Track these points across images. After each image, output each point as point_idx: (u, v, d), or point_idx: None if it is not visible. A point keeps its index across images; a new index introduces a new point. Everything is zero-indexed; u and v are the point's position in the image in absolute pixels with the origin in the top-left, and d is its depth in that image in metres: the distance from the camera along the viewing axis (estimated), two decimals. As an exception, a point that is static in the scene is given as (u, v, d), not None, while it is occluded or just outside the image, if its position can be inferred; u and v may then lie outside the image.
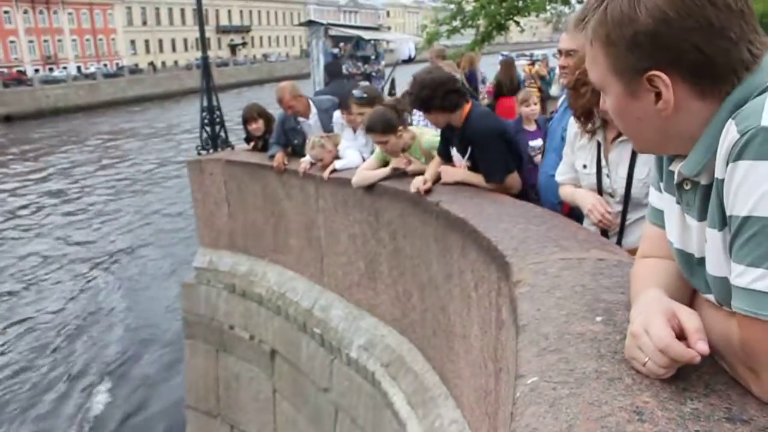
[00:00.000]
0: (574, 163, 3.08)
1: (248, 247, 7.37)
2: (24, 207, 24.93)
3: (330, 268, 6.02)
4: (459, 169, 3.98)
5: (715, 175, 1.13)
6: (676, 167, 1.28)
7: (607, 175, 2.94)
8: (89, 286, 17.38)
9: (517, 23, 17.90)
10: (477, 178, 3.84)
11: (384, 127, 4.25)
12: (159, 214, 22.95)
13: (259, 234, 7.12)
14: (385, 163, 4.63)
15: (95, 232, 21.58)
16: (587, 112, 2.90)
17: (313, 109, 6.27)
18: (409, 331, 4.82)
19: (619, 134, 2.84)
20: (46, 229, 22.15)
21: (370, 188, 4.73)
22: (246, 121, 6.95)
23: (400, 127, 4.32)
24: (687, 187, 1.27)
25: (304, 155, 6.28)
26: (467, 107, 3.84)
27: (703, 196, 1.21)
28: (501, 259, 2.48)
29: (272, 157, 6.37)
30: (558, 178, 3.22)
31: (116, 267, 18.58)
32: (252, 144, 7.35)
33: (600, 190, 2.99)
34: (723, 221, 1.13)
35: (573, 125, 3.08)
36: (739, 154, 1.04)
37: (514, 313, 1.85)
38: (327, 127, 6.15)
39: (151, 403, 12.21)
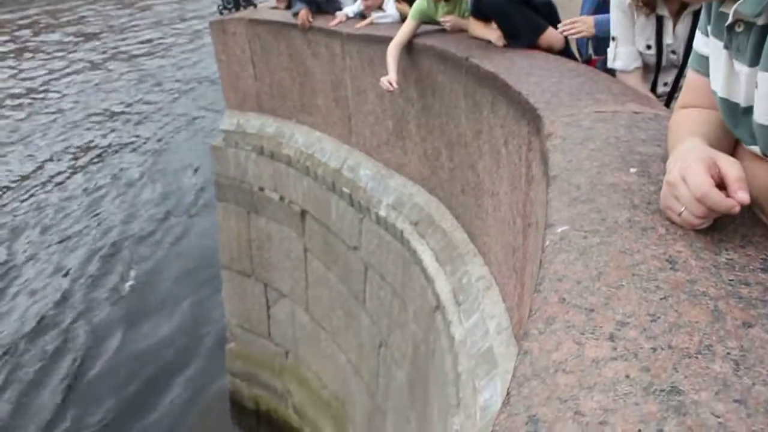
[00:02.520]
0: (635, 45, 2.84)
1: (275, 108, 7.29)
2: (47, 78, 24.83)
3: (358, 128, 5.96)
4: (490, 29, 3.80)
5: None
6: (730, 8, 1.18)
7: (673, 52, 2.74)
8: (116, 149, 17.58)
9: None
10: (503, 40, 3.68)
11: None
12: (185, 78, 22.75)
13: (286, 94, 7.03)
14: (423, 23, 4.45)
15: (122, 94, 21.55)
16: None
17: None
18: (438, 190, 4.81)
19: (683, 5, 2.61)
20: (71, 95, 22.18)
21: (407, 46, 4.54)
22: None
23: None
24: (739, 29, 1.17)
25: (328, 12, 6.10)
26: None
27: (757, 38, 1.12)
28: (532, 112, 2.41)
29: (296, 14, 6.17)
30: (629, 66, 2.84)
31: (144, 129, 18.68)
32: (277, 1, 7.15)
33: (659, 68, 2.81)
34: None
35: (620, 6, 2.76)
36: None
37: (545, 164, 1.81)
38: None
39: (189, 263, 12.63)
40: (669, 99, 2.95)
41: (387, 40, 4.55)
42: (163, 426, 9.17)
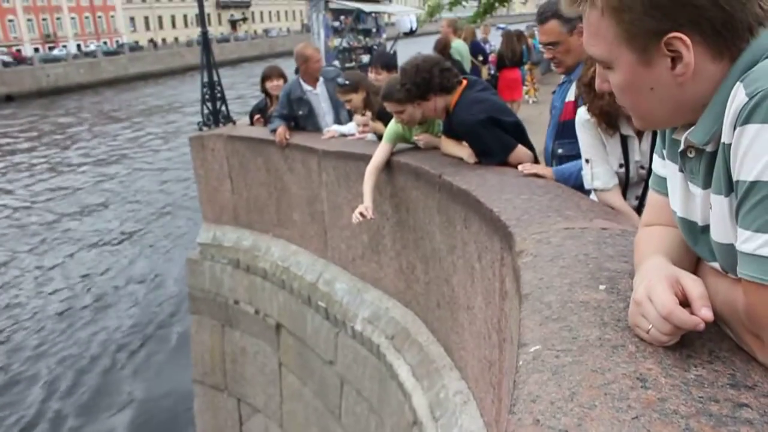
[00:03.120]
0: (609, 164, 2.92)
1: (252, 221, 7.37)
2: (24, 185, 24.95)
3: (333, 242, 6.02)
4: (461, 146, 3.92)
5: (722, 140, 1.11)
6: (681, 135, 1.26)
7: (641, 167, 2.82)
8: (94, 264, 17.45)
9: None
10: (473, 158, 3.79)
11: (401, 95, 3.97)
12: (162, 192, 22.97)
13: (263, 208, 7.12)
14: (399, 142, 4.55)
15: (98, 211, 21.62)
16: (610, 112, 2.74)
17: (320, 78, 6.26)
18: (414, 304, 4.82)
19: None
20: (45, 206, 22.20)
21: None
22: (265, 78, 6.88)
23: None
24: (691, 155, 1.25)
25: (305, 128, 6.28)
26: (459, 90, 3.79)
27: (708, 163, 1.19)
28: (504, 229, 2.47)
29: (274, 131, 6.31)
30: (608, 184, 2.82)
31: (120, 245, 18.64)
32: (257, 117, 7.34)
33: (627, 184, 2.89)
34: (729, 187, 1.11)
35: (586, 129, 2.82)
36: (747, 117, 1.01)
37: (517, 282, 1.84)
38: (333, 96, 6.14)
39: (158, 377, 12.32)
40: (640, 211, 3.03)
41: (362, 157, 4.68)
42: None
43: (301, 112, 6.27)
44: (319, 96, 6.25)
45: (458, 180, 3.49)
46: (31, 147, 31.97)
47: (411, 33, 13.10)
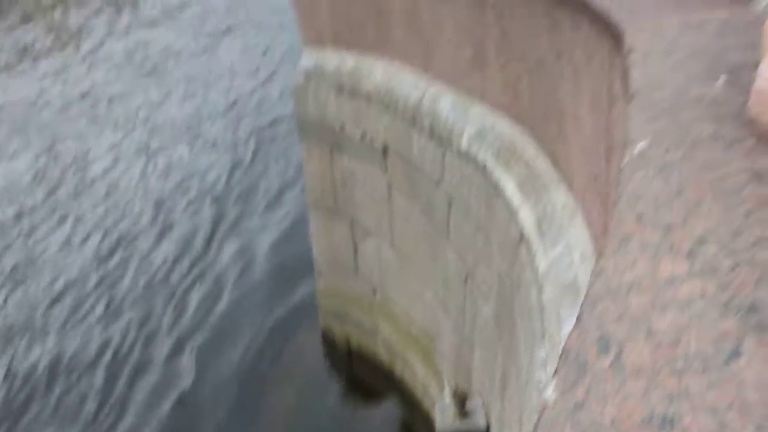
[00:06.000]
0: None
1: (353, 41, 7.21)
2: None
3: (437, 57, 5.83)
4: None
5: None
6: None
7: None
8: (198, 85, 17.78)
9: None
10: None
11: None
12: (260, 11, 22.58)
13: (363, 26, 6.92)
14: None
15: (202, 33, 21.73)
16: None
17: None
18: (520, 117, 4.67)
19: None
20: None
21: None
22: None
23: None
24: None
25: None
26: None
27: None
28: (614, 27, 2.27)
29: None
30: None
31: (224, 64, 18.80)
32: None
33: None
34: None
35: None
36: None
37: (625, 80, 1.71)
38: None
39: (277, 201, 12.86)
40: None
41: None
42: (260, 365, 9.48)
43: None
44: None
45: (564, -20, 3.22)
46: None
47: None
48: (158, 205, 13.33)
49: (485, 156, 4.97)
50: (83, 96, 18.14)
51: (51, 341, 10.40)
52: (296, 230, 11.49)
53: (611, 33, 2.35)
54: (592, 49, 2.82)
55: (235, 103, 17.00)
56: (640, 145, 1.16)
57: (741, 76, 1.39)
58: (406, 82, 6.31)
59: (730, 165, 1.03)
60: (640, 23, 2.09)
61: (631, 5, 2.34)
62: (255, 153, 14.78)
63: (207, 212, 13.01)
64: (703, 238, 0.85)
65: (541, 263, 3.63)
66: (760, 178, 0.98)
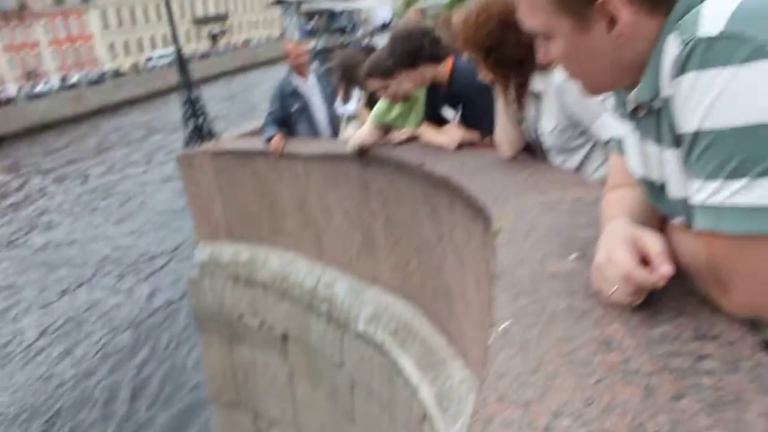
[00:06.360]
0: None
1: (247, 234, 7.36)
2: (17, 222, 24.94)
3: (328, 245, 6.02)
4: (442, 133, 3.87)
5: (663, 94, 1.11)
6: (631, 94, 1.25)
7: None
8: (96, 290, 17.45)
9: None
10: (474, 135, 3.70)
11: (384, 70, 3.85)
12: (156, 214, 22.89)
13: (256, 220, 7.11)
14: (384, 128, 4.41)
15: (95, 240, 21.59)
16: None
17: (311, 73, 6.25)
18: (412, 297, 4.82)
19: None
20: (40, 239, 22.20)
21: (361, 155, 4.53)
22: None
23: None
24: (641, 114, 1.24)
25: (298, 128, 6.16)
26: (450, 59, 3.72)
27: (657, 119, 1.19)
28: (483, 211, 2.46)
29: (269, 140, 6.00)
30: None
31: (121, 273, 18.61)
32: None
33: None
34: (677, 140, 1.11)
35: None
36: (682, 67, 1.01)
37: (492, 260, 1.84)
38: (325, 89, 6.15)
39: (176, 400, 12.33)
40: None
41: (347, 158, 4.66)
42: None
43: (294, 108, 6.10)
44: (312, 88, 6.20)
45: (439, 167, 3.48)
46: (21, 184, 31.96)
47: (386, 26, 13.12)
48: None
49: (383, 336, 5.04)
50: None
51: None
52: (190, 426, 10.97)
53: (482, 215, 2.54)
54: (469, 230, 3.02)
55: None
56: (504, 326, 1.25)
57: (589, 252, 1.53)
58: (301, 270, 6.43)
59: (582, 336, 1.13)
60: (504, 205, 2.29)
61: (498, 189, 2.56)
62: (148, 353, 14.32)
63: (93, 414, 12.31)
64: (558, 411, 0.92)
65: (446, 441, 3.62)
66: (607, 345, 1.08)
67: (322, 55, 12.24)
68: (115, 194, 27.31)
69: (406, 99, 4.14)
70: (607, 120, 2.67)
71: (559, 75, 2.66)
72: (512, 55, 2.68)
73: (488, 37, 2.68)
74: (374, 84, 4.00)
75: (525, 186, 2.49)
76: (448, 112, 3.88)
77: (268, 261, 6.99)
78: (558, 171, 2.76)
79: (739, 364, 0.98)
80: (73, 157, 37.79)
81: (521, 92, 2.86)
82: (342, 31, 12.25)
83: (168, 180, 26.15)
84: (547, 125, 2.79)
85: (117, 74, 69.25)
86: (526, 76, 2.79)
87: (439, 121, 3.95)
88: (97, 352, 14.56)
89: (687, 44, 1.00)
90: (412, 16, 9.45)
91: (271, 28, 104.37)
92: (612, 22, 1.14)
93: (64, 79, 67.50)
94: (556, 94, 2.71)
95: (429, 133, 4.03)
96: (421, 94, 4.06)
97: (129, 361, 14.02)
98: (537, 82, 2.79)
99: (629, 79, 1.24)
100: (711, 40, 0.97)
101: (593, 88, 1.34)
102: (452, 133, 3.77)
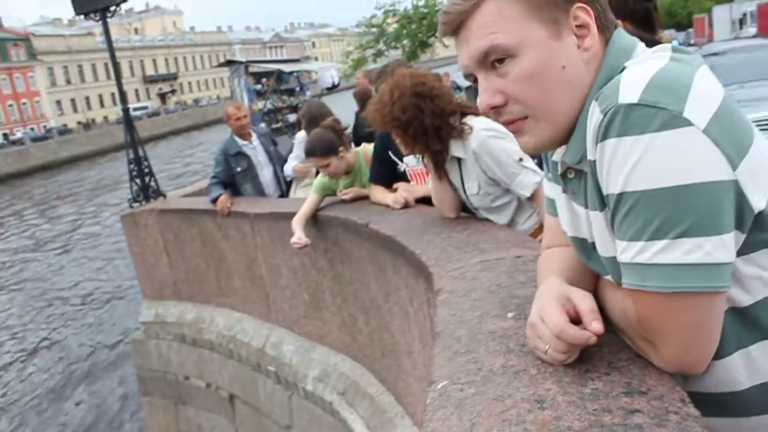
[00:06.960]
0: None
1: (193, 293, 7.25)
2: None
3: (276, 304, 5.96)
4: (386, 194, 3.92)
5: (588, 158, 1.15)
6: (559, 157, 1.30)
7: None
8: (36, 354, 16.82)
9: (441, 40, 18.20)
10: (424, 188, 3.77)
11: (324, 149, 4.05)
12: (99, 272, 22.32)
13: (202, 279, 7.02)
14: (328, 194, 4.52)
15: (37, 300, 20.93)
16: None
17: (253, 134, 6.28)
18: (360, 356, 4.79)
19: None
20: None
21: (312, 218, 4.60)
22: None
23: (341, 148, 4.13)
24: (571, 176, 1.29)
25: (244, 187, 6.19)
26: None
27: (584, 181, 1.24)
28: (425, 270, 2.49)
29: (215, 200, 6.04)
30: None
31: (58, 334, 18.00)
32: None
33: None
34: (603, 202, 1.15)
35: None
36: (604, 133, 1.06)
37: (432, 320, 1.86)
38: (268, 149, 6.22)
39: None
40: None
41: (293, 216, 4.67)
42: None
43: (239, 169, 6.15)
44: (256, 149, 6.23)
45: (384, 227, 3.51)
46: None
47: (334, 87, 13.29)
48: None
49: (331, 396, 4.98)
50: None
51: None
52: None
53: (424, 275, 2.57)
54: (413, 289, 3.04)
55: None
56: (441, 386, 1.26)
57: (526, 310, 1.56)
58: (249, 329, 6.34)
59: (516, 394, 1.15)
60: (447, 265, 2.32)
61: (440, 248, 2.60)
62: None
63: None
64: (490, 471, 0.93)
65: (394, 503, 3.56)
66: (540, 403, 1.10)
67: (270, 115, 12.30)
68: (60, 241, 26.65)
69: (348, 172, 4.28)
70: (525, 179, 2.81)
71: (475, 141, 2.78)
72: (430, 124, 2.79)
73: (404, 112, 2.78)
74: (315, 162, 4.16)
75: (467, 245, 2.54)
76: (410, 159, 3.94)
77: (215, 320, 6.88)
78: (500, 230, 2.81)
79: (668, 418, 1.01)
80: (16, 209, 36.92)
81: (442, 158, 2.95)
82: (291, 92, 12.37)
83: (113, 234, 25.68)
84: (472, 187, 2.92)
85: (63, 131, 68.27)
86: (445, 143, 2.89)
87: (396, 175, 4.00)
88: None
89: (607, 112, 1.06)
90: (360, 78, 9.63)
91: (222, 88, 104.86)
92: (582, 35, 1.19)
93: (5, 136, 66.30)
94: (474, 158, 2.82)
95: (378, 192, 4.08)
96: (362, 162, 4.22)
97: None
98: (456, 149, 2.89)
99: (565, 130, 1.25)
100: (629, 108, 1.03)
101: (541, 128, 1.25)
102: (398, 193, 3.84)
